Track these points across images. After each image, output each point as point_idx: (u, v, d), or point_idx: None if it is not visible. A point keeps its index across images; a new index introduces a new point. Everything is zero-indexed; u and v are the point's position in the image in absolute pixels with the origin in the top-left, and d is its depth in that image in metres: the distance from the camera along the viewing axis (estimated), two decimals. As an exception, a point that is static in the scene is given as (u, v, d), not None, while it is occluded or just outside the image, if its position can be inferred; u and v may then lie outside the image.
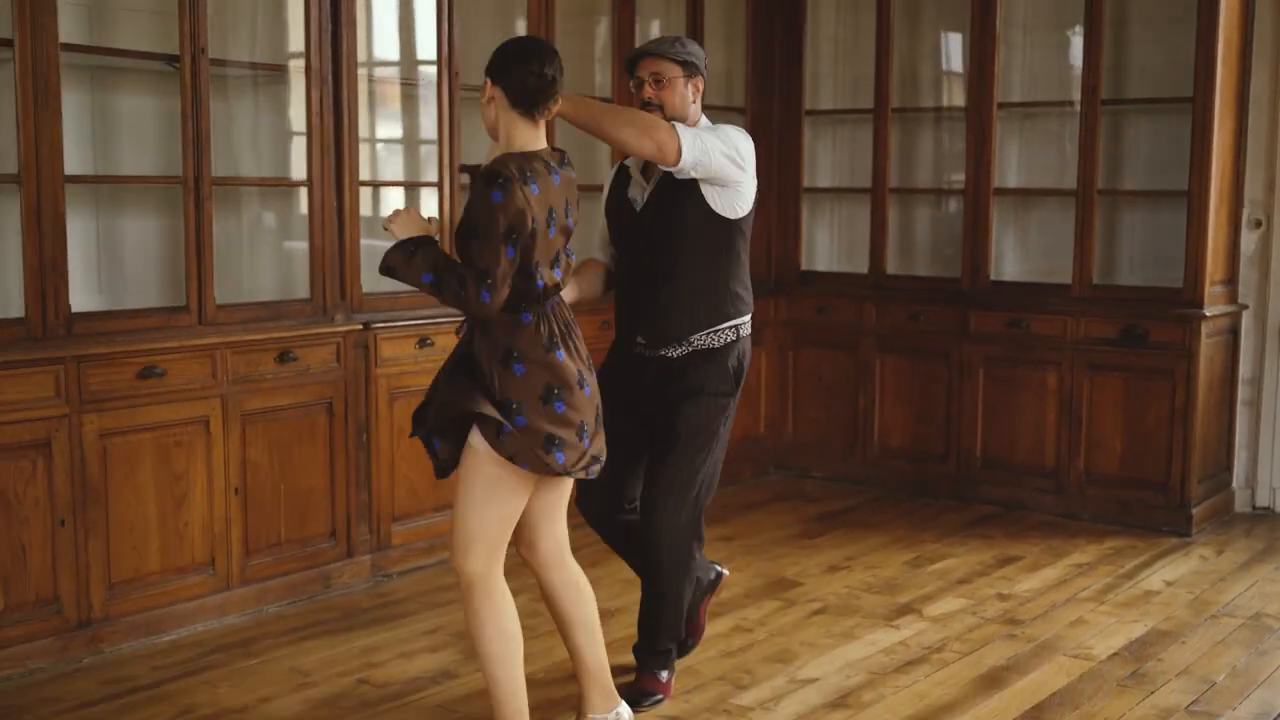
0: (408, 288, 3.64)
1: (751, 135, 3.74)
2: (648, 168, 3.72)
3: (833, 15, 6.77)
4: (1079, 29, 5.88)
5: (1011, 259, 6.36)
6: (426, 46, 5.08)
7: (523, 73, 3.08)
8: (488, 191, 2.95)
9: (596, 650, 3.42)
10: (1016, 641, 4.31)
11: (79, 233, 4.23)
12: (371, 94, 5.01)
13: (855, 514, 5.95)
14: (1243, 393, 5.99)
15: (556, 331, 3.12)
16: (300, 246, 4.71)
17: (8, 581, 3.83)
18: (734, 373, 3.73)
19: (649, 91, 3.66)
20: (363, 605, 4.60)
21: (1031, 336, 5.94)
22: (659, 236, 3.65)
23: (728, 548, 5.36)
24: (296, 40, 4.63)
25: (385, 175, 5.34)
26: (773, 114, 6.59)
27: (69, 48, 4.00)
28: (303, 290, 4.66)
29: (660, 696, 3.75)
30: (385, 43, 5.25)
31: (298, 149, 4.73)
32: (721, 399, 3.71)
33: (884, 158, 6.37)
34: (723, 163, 3.56)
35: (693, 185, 3.59)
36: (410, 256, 3.05)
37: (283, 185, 4.83)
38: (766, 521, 5.81)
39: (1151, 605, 4.69)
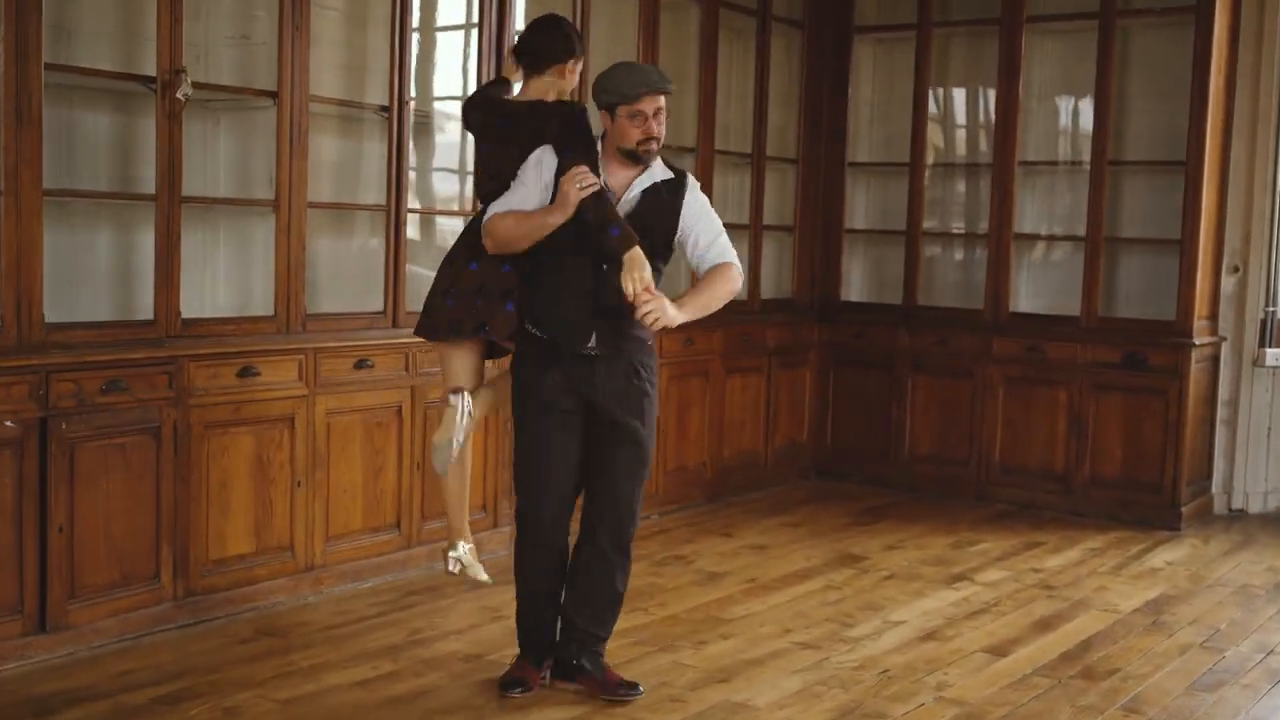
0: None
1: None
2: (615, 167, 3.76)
3: (870, 85, 7.82)
4: (1089, 99, 6.96)
5: (1026, 294, 7.40)
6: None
7: None
8: None
9: None
10: (1055, 600, 5.30)
11: (321, 249, 5.15)
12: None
13: (895, 509, 6.93)
14: (1221, 412, 7.06)
15: None
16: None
17: (260, 529, 4.71)
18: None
19: (656, 129, 3.65)
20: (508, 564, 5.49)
21: (1046, 360, 6.96)
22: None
23: (795, 531, 6.33)
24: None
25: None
26: (820, 165, 7.60)
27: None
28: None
29: None
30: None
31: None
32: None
33: (918, 205, 7.40)
34: None
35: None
36: None
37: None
38: (822, 513, 6.78)
39: (1158, 578, 5.70)
